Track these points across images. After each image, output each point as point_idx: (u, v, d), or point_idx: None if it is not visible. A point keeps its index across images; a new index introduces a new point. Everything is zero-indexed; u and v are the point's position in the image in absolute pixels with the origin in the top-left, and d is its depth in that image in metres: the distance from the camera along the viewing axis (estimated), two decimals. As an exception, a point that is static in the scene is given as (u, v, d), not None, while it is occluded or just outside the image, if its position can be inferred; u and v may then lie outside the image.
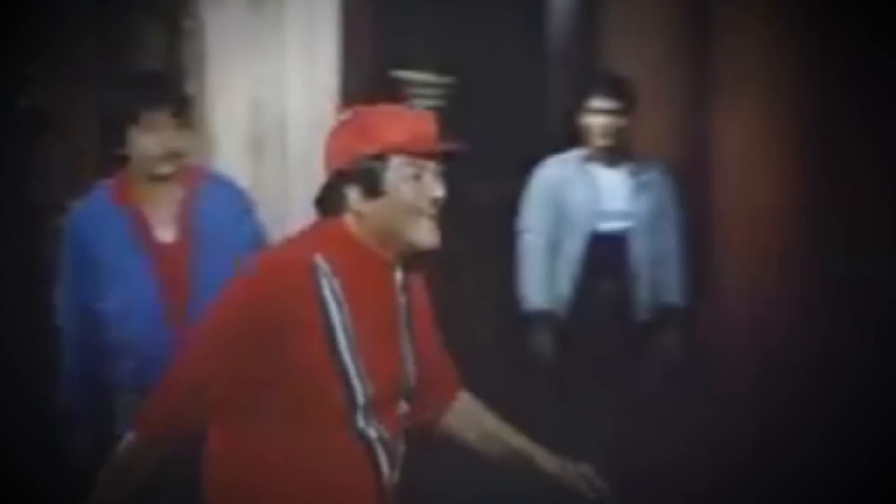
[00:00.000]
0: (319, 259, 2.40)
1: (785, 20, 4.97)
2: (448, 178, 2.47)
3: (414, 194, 2.42)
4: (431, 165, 2.45)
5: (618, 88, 4.58)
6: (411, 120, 2.47)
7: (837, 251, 4.94)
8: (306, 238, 2.48)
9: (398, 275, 2.52)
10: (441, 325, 2.67)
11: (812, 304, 4.94)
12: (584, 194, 4.57)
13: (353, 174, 2.42)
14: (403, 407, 2.52)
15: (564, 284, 4.55)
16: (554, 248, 4.58)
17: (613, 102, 4.55)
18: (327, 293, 2.40)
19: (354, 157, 2.42)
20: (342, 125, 2.49)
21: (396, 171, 2.41)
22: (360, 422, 2.42)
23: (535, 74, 6.27)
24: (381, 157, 2.41)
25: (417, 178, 2.42)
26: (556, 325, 4.58)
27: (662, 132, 5.10)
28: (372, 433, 2.43)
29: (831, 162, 4.96)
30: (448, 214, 2.47)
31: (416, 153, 2.42)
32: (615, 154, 4.58)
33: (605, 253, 4.54)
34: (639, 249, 4.56)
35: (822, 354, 4.85)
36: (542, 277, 4.58)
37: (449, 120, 2.73)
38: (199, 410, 2.43)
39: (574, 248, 4.56)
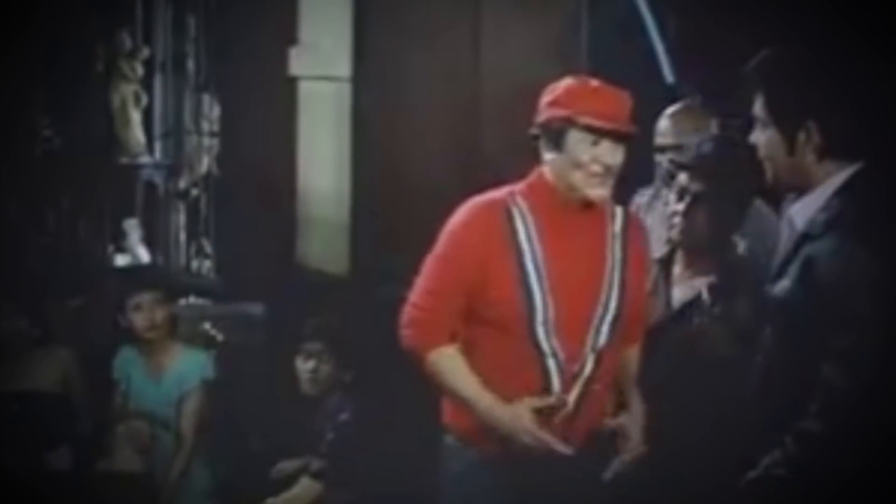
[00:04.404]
0: (517, 197, 3.06)
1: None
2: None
3: (588, 156, 2.98)
4: (610, 136, 2.98)
5: None
6: (602, 97, 3.03)
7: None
8: (517, 184, 3.11)
9: (616, 223, 3.11)
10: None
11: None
12: None
13: (546, 130, 3.04)
14: (602, 336, 3.05)
15: None
16: None
17: None
18: (518, 223, 3.03)
19: (548, 116, 3.04)
20: (552, 90, 3.07)
21: (577, 135, 2.99)
22: (539, 332, 3.01)
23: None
24: (568, 120, 2.98)
25: (595, 143, 2.98)
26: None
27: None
28: (545, 346, 3.01)
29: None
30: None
31: (592, 126, 2.97)
32: None
33: None
34: None
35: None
36: None
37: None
38: (452, 308, 3.06)
39: None
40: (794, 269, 2.60)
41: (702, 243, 3.35)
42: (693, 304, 3.34)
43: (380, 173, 5.55)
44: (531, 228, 3.03)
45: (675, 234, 3.39)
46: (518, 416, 2.98)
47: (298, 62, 5.89)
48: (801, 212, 2.65)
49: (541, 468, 3.02)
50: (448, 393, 3.13)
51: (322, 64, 5.81)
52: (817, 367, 2.53)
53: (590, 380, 3.06)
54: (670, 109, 4.01)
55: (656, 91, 4.91)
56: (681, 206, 3.35)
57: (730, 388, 2.93)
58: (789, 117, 2.64)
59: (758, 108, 2.71)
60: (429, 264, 3.12)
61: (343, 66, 5.67)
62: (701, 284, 3.35)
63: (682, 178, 3.37)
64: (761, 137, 2.71)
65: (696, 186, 3.32)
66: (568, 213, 3.06)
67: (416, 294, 3.14)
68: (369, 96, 5.60)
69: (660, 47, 5.08)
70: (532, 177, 3.11)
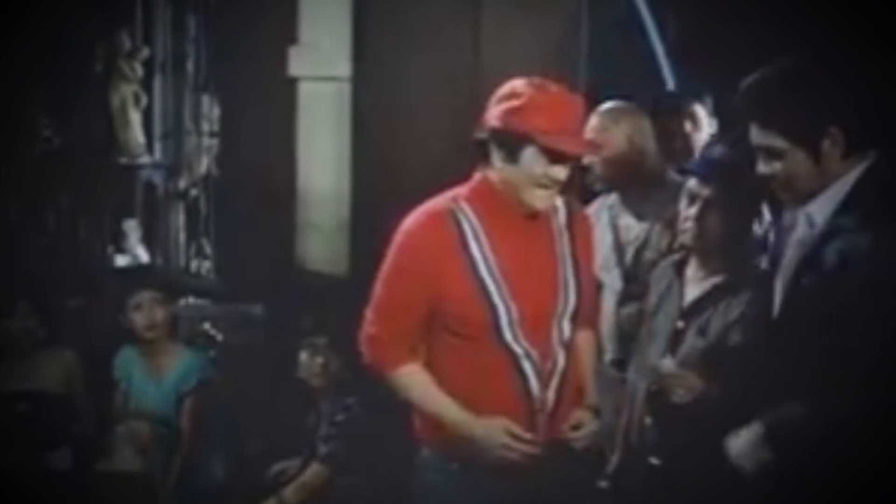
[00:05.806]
0: (461, 203, 2.95)
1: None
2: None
3: (541, 171, 2.87)
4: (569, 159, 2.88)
5: None
6: (562, 111, 2.87)
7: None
8: (458, 189, 3.00)
9: (560, 217, 3.03)
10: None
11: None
12: None
13: (501, 139, 2.87)
14: (565, 330, 3.01)
15: None
16: None
17: None
18: (467, 230, 2.93)
19: (505, 126, 2.86)
20: (509, 95, 2.89)
21: (535, 152, 2.86)
22: (507, 336, 2.94)
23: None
24: (529, 138, 2.84)
25: (552, 163, 2.86)
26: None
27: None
28: (518, 349, 2.95)
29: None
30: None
31: (552, 148, 2.84)
32: None
33: None
34: None
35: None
36: None
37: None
38: (410, 323, 2.97)
39: None
40: (822, 265, 2.57)
41: (715, 245, 3.33)
42: (704, 299, 3.33)
43: (379, 173, 5.55)
44: (479, 233, 2.95)
45: (688, 239, 3.35)
46: (492, 432, 2.93)
47: (298, 62, 5.89)
48: (821, 208, 2.61)
49: (526, 474, 2.97)
50: (417, 409, 3.08)
51: (322, 64, 5.81)
52: (848, 360, 2.50)
53: (564, 373, 3.03)
54: (603, 106, 3.91)
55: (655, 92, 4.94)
56: (693, 212, 3.31)
57: (748, 383, 2.91)
58: (811, 132, 2.56)
59: (758, 137, 2.64)
60: (381, 278, 3.00)
61: (343, 66, 5.67)
62: (712, 283, 3.34)
63: (692, 183, 3.33)
64: (777, 165, 2.64)
65: (707, 192, 3.28)
66: (513, 214, 2.98)
67: (370, 309, 3.05)
68: (369, 96, 5.60)
69: (660, 49, 5.09)
70: (475, 181, 2.99)
